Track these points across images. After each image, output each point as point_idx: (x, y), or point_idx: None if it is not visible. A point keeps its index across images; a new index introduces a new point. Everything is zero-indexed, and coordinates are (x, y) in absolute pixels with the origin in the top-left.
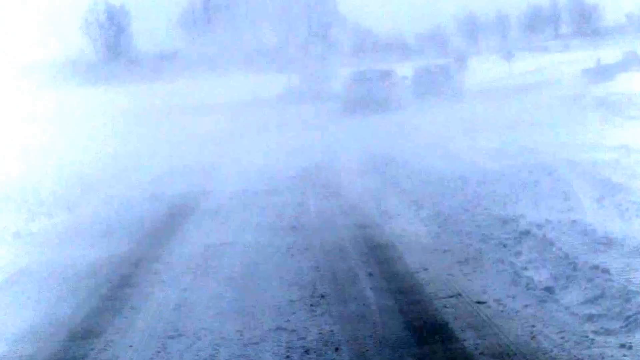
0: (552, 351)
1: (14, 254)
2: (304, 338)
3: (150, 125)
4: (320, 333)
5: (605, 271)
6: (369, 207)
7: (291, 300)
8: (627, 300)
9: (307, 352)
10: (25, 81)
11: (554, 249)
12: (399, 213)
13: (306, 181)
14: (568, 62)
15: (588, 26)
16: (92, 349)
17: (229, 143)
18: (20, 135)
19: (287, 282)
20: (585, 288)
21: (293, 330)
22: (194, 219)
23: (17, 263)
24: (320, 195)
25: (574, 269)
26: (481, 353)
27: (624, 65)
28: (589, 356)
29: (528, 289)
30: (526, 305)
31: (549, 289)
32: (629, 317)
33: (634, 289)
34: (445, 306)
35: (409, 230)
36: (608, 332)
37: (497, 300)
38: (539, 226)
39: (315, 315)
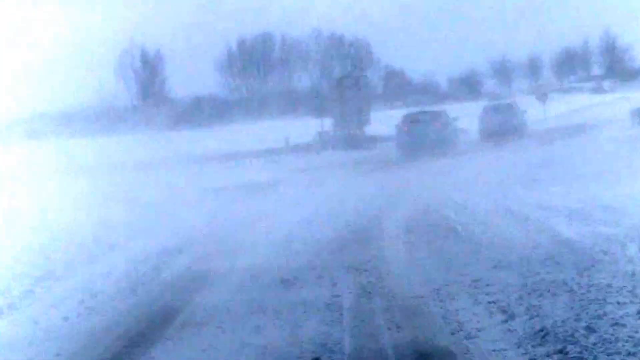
0: None
1: None
2: None
3: (173, 175)
4: None
5: None
6: (432, 314)
7: None
8: None
9: None
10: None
11: None
12: (479, 326)
13: (339, 259)
14: (603, 103)
15: (620, 67)
16: None
17: (258, 197)
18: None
19: None
20: None
21: None
22: (168, 338)
23: None
24: (358, 288)
25: None
26: None
27: None
28: None
29: None
30: None
31: None
32: None
33: None
34: None
35: None
36: None
37: None
38: None
39: None
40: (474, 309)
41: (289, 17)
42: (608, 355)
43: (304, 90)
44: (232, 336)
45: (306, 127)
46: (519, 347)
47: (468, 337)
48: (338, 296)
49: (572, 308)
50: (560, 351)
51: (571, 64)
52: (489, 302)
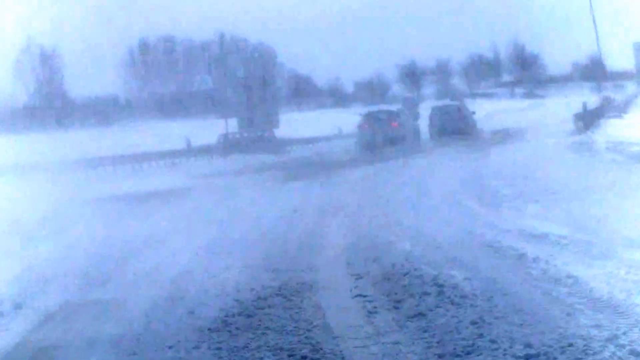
0: None
1: None
2: None
3: (55, 180)
4: None
5: None
6: None
7: None
8: None
9: None
10: None
11: None
12: None
13: (247, 325)
14: (520, 109)
15: (530, 74)
16: None
17: (150, 212)
18: None
19: None
20: None
21: None
22: None
23: None
24: None
25: None
26: None
27: (604, 110)
28: None
29: None
30: None
31: None
32: None
33: None
34: None
35: None
36: None
37: None
38: None
39: None
40: None
41: (191, 18)
42: None
43: (207, 93)
44: None
45: (209, 129)
46: None
47: None
48: None
49: None
50: None
51: (481, 70)
52: None
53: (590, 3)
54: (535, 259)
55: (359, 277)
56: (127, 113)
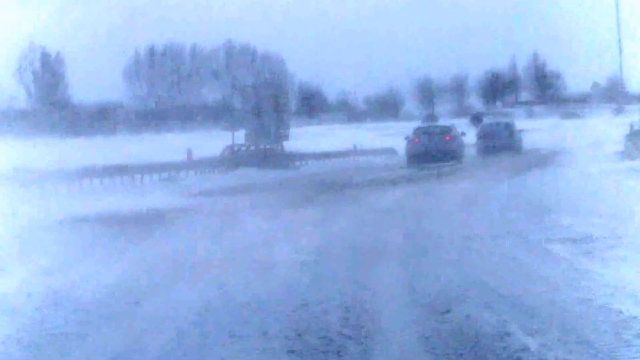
0: None
1: None
2: None
3: (31, 193)
4: None
5: None
6: None
7: None
8: None
9: None
10: None
11: None
12: None
13: None
14: (541, 129)
15: (550, 93)
16: None
17: (129, 244)
18: None
19: None
20: None
21: None
22: None
23: None
24: None
25: None
26: None
27: None
28: None
29: None
30: None
31: None
32: None
33: None
34: None
35: None
36: None
37: None
38: None
39: None
40: None
41: (199, 27)
42: None
43: (214, 102)
44: None
45: (215, 140)
46: None
47: None
48: None
49: None
50: None
51: (499, 88)
52: None
53: (618, 23)
54: None
55: None
56: (131, 121)
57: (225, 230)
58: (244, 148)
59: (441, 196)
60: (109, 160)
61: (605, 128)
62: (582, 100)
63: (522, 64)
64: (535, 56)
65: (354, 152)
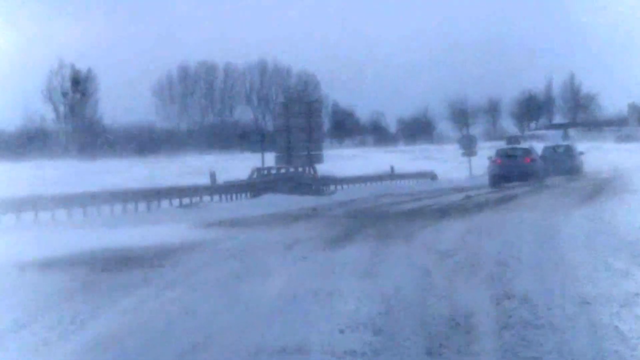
0: None
1: None
2: None
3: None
4: None
5: None
6: None
7: None
8: None
9: None
10: None
11: None
12: None
13: None
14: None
15: (585, 116)
16: None
17: (112, 303)
18: None
19: None
20: None
21: None
22: None
23: None
24: None
25: None
26: None
27: None
28: None
29: None
30: None
31: None
32: None
33: None
34: None
35: None
36: None
37: None
38: None
39: None
40: None
41: (232, 44)
42: None
43: (247, 123)
44: None
45: (246, 163)
46: None
47: None
48: None
49: None
50: None
51: (533, 110)
52: None
53: None
54: None
55: None
56: (163, 143)
57: (235, 281)
58: (273, 171)
59: (522, 231)
60: (129, 184)
61: None
62: (620, 122)
63: (558, 85)
64: (572, 77)
65: (391, 175)
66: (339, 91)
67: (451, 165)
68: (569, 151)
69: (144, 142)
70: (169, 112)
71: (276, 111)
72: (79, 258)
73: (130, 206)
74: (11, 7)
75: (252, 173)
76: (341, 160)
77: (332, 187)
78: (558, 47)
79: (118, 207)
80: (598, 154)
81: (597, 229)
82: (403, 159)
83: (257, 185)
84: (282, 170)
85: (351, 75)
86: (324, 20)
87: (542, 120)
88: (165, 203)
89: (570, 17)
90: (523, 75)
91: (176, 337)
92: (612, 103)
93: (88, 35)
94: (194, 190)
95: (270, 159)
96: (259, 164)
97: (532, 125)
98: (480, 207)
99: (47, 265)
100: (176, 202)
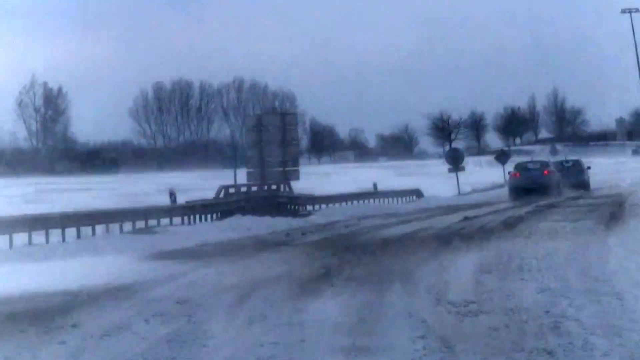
0: None
1: None
2: None
3: None
4: None
5: None
6: None
7: None
8: None
9: None
10: None
11: None
12: None
13: None
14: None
15: (570, 130)
16: None
17: None
18: None
19: None
20: None
21: None
22: None
23: None
24: None
25: None
26: None
27: None
28: None
29: None
30: None
31: None
32: None
33: None
34: None
35: None
36: None
37: None
38: None
39: None
40: None
41: (208, 62)
42: None
43: (223, 140)
44: None
45: (218, 180)
46: None
47: None
48: None
49: None
50: None
51: (518, 125)
52: None
53: (638, 58)
54: None
55: None
56: (136, 160)
57: (209, 333)
58: (243, 189)
59: (557, 268)
60: (86, 204)
61: None
62: (608, 137)
63: (541, 100)
64: (555, 92)
65: (375, 193)
66: (317, 108)
67: (435, 180)
68: (577, 166)
69: (116, 159)
70: (144, 129)
71: (248, 123)
72: None
73: (74, 232)
74: None
75: (219, 191)
76: (319, 178)
77: (309, 207)
78: (541, 62)
79: (56, 233)
80: (597, 169)
81: None
82: (385, 175)
83: (224, 205)
84: (254, 188)
85: (329, 92)
86: (301, 37)
87: (527, 136)
88: (117, 227)
89: (557, 33)
90: (506, 91)
91: None
92: (598, 118)
93: (62, 54)
94: (156, 212)
95: (243, 175)
96: (227, 181)
97: (517, 140)
98: (486, 232)
99: None
100: (131, 225)
